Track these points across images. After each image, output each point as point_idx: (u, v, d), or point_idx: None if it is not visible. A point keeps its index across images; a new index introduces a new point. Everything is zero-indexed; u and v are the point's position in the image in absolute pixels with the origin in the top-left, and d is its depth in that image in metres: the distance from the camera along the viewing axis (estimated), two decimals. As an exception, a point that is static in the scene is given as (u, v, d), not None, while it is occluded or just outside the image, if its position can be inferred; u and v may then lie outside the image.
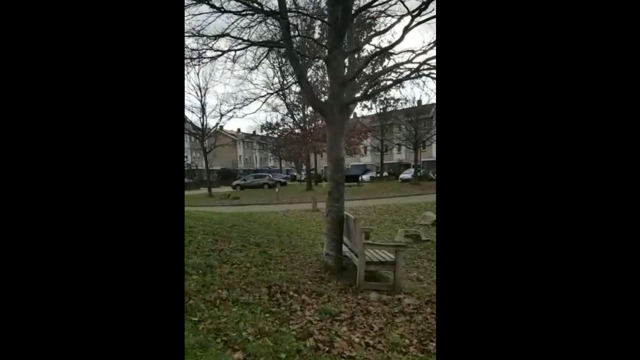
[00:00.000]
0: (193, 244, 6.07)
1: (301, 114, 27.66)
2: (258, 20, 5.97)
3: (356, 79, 6.18)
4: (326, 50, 5.90)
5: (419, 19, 4.77)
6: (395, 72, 6.22)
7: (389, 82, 6.96)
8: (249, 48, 6.29)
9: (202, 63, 6.22)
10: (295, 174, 48.46)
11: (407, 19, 4.90)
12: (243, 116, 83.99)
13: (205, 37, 5.59)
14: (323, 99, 7.54)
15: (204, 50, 5.86)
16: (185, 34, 5.50)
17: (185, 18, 5.39)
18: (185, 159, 42.90)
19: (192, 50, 5.94)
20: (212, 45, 5.82)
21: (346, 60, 5.93)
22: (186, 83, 43.53)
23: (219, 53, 5.86)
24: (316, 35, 9.16)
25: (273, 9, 5.68)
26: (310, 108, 26.05)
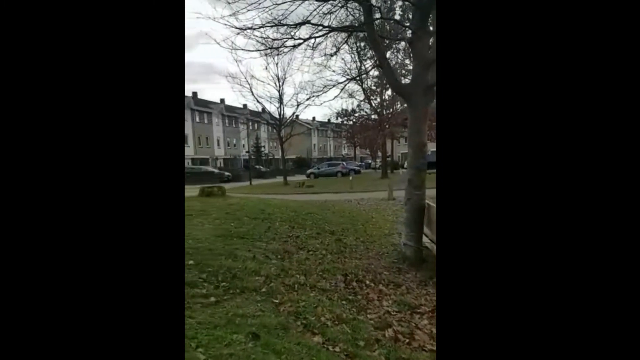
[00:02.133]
0: (272, 230, 6.40)
1: (378, 99, 27.25)
2: (339, 5, 5.98)
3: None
4: (409, 31, 5.71)
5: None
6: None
7: (477, 62, 6.53)
8: (329, 34, 6.34)
9: (283, 52, 6.37)
10: (370, 161, 48.15)
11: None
12: (321, 104, 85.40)
13: (285, 27, 5.76)
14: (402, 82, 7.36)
15: (285, 40, 6.03)
16: (267, 25, 5.72)
17: (268, 8, 5.60)
18: (263, 149, 45.01)
19: (274, 40, 6.16)
20: (294, 34, 5.95)
21: (431, 41, 5.70)
22: (265, 74, 45.42)
23: (300, 41, 6.00)
24: (397, 17, 8.91)
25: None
26: (388, 93, 25.55)
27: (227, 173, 29.87)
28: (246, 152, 38.79)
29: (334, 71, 30.53)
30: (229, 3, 5.44)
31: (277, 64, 24.60)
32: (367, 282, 4.29)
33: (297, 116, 27.35)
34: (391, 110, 26.79)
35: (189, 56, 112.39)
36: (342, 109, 31.44)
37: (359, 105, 29.45)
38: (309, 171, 33.74)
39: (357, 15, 6.54)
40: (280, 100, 24.30)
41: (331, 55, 7.33)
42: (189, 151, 39.13)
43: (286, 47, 6.18)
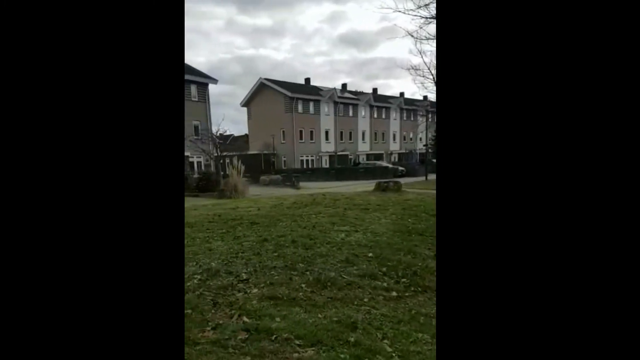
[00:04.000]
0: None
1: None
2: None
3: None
4: None
5: None
6: None
7: None
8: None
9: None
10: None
11: None
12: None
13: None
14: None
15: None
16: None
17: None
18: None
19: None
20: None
21: None
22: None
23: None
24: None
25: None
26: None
27: (400, 168, 30.08)
28: (423, 145, 38.25)
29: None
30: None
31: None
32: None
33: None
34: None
35: (372, 53, 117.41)
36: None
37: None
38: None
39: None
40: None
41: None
42: (364, 147, 41.01)
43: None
